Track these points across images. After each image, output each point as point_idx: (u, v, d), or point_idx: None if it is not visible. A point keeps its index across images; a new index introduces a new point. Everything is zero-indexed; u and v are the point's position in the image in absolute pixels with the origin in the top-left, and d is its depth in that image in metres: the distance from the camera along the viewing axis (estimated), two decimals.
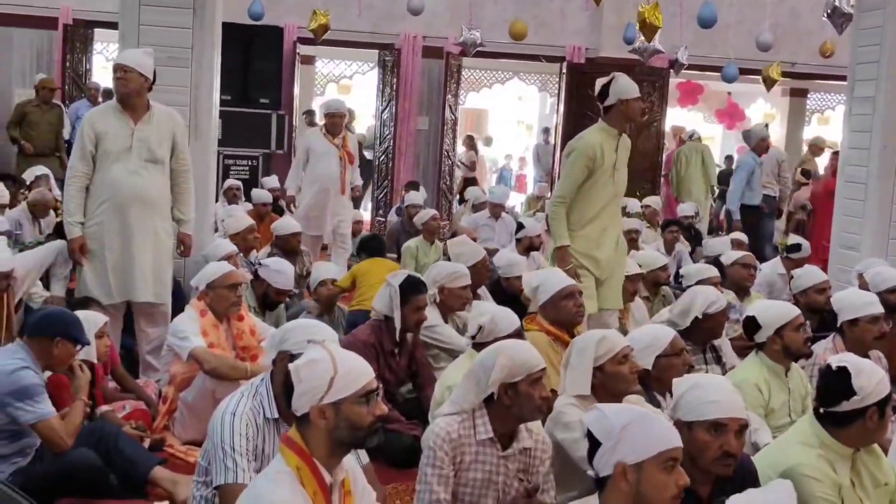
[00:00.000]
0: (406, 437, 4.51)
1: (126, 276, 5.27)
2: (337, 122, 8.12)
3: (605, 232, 5.40)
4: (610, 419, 2.43)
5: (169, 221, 5.46)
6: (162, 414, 4.71)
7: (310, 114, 13.78)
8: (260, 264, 5.87)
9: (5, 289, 4.94)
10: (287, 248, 7.02)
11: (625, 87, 5.25)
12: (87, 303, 5.11)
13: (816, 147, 12.84)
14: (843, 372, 3.04)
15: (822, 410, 3.12)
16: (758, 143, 10.12)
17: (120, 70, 5.19)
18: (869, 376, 3.03)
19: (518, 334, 4.07)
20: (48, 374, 4.02)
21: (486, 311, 4.24)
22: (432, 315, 5.17)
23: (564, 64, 13.21)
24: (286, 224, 7.22)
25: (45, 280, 5.75)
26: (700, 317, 4.63)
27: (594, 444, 2.44)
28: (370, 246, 7.41)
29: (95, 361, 4.43)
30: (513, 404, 3.14)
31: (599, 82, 5.31)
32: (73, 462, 3.80)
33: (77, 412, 3.93)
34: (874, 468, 3.15)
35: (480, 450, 3.19)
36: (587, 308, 4.96)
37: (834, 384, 3.06)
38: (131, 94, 5.21)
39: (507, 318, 4.13)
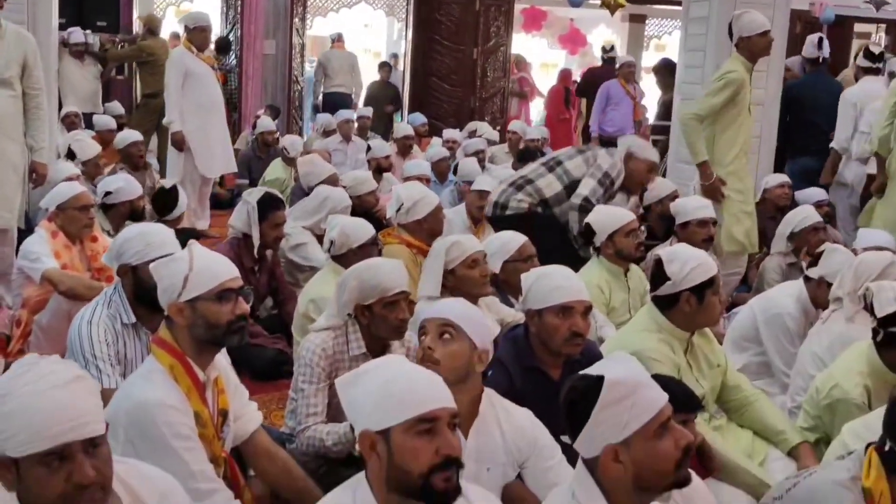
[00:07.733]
0: (270, 350, 4.59)
1: None
2: (206, 36, 7.48)
3: None
4: None
5: (19, 144, 5.20)
6: (16, 338, 4.59)
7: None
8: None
9: None
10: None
11: (746, 24, 5.45)
12: None
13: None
14: (659, 260, 3.30)
15: (651, 296, 3.40)
16: None
17: None
18: (682, 264, 3.22)
19: (373, 242, 4.21)
20: None
21: (337, 223, 4.34)
22: (305, 235, 5.26)
23: None
24: None
25: None
26: None
27: None
28: None
29: None
30: (370, 324, 3.19)
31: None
32: None
33: None
34: (708, 351, 3.41)
35: (354, 365, 3.13)
36: None
37: (654, 272, 3.34)
38: None
39: (360, 228, 4.28)
